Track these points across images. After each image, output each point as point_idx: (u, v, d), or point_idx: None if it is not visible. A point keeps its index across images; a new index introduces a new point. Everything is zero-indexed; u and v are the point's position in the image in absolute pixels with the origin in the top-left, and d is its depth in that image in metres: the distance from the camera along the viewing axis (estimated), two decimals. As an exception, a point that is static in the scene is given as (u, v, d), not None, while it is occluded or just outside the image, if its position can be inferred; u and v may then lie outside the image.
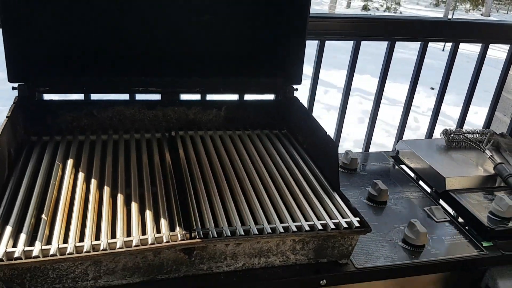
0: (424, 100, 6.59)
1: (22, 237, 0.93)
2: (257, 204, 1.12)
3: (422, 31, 1.87)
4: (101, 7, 1.33)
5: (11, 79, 1.28)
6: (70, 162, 1.20)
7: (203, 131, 1.45)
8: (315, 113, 1.94)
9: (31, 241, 0.93)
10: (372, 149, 2.13)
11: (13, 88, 1.30)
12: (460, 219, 1.38)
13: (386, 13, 16.99)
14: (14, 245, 0.91)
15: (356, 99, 6.24)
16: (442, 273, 1.23)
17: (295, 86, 1.51)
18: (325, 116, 5.49)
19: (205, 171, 1.24)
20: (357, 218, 1.10)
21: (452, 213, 1.41)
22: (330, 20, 1.76)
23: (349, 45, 1.90)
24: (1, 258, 0.86)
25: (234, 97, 1.60)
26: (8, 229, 0.94)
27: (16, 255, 0.87)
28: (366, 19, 1.85)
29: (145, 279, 0.99)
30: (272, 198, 1.16)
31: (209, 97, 1.58)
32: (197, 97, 1.57)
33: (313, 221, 1.08)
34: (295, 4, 1.41)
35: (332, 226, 1.07)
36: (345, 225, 1.07)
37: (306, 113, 1.40)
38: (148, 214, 1.04)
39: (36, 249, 0.89)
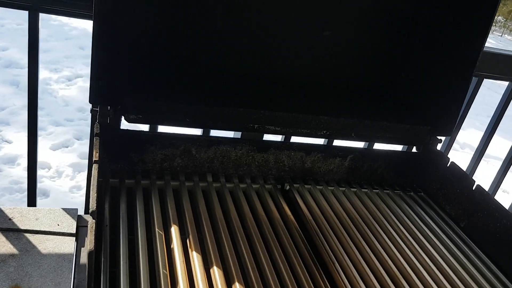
0: None
1: None
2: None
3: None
4: (214, 23, 0.98)
5: (93, 99, 0.92)
6: (174, 231, 0.86)
7: (322, 186, 1.12)
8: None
9: None
10: None
11: (92, 111, 0.95)
12: None
13: None
14: None
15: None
16: None
17: (439, 137, 1.19)
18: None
19: (342, 239, 0.92)
20: None
21: None
22: None
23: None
24: None
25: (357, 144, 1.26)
26: None
27: None
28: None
29: None
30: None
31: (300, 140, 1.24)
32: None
33: None
34: (466, 28, 1.09)
35: None
36: None
37: (463, 177, 1.08)
38: None
39: None
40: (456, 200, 1.11)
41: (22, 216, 0.95)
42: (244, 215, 0.96)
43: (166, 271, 0.77)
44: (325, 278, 0.83)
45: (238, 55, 1.04)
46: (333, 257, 0.89)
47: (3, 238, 0.88)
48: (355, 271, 0.87)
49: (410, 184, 1.21)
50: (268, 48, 1.08)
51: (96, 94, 0.92)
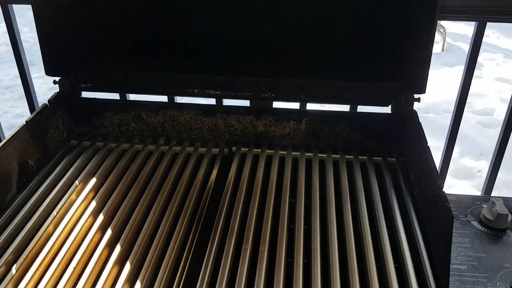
0: None
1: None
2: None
3: None
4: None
5: (48, 72, 1.08)
6: (92, 183, 0.96)
7: (273, 150, 1.07)
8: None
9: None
10: None
11: (55, 82, 1.11)
12: None
13: None
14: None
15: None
16: None
17: (416, 96, 1.02)
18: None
19: (253, 209, 0.88)
20: None
21: None
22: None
23: None
24: None
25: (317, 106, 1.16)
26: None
27: None
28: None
29: None
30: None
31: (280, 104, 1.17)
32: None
33: None
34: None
35: None
36: None
37: (419, 138, 0.91)
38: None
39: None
40: (415, 165, 0.94)
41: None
42: (167, 177, 0.99)
43: (56, 213, 0.88)
44: (193, 244, 0.82)
45: (185, 20, 1.06)
46: (223, 225, 0.85)
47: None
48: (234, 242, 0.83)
49: (380, 149, 1.06)
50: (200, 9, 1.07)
51: (49, 68, 1.08)
